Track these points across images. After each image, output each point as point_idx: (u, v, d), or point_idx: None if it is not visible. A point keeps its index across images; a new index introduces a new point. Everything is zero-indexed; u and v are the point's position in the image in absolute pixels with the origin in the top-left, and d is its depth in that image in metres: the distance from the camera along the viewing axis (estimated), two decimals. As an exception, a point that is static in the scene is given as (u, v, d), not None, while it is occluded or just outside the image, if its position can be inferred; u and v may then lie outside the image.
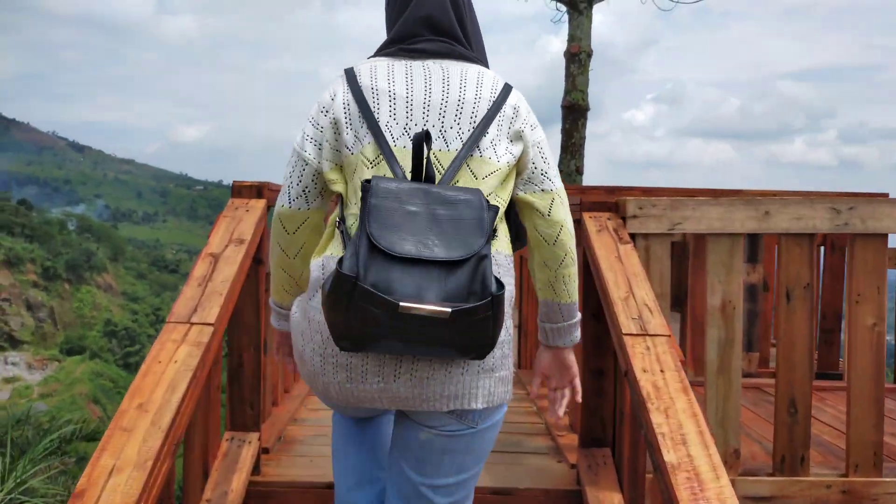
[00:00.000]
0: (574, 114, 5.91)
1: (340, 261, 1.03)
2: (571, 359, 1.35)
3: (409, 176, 1.13)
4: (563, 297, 1.29)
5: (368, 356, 1.12)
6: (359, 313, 1.00)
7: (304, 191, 1.25)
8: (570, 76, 6.01)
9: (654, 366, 1.56)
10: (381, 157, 1.16)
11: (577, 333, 1.34)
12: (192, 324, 1.61)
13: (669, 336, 1.67)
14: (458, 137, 1.18)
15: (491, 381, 1.15)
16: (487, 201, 1.10)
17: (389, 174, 1.14)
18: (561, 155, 6.12)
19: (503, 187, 1.21)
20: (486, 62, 1.31)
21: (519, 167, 1.24)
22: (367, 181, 1.08)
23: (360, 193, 1.10)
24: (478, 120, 1.19)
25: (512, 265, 1.21)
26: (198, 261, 1.84)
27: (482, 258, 1.04)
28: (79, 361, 62.98)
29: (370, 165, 1.16)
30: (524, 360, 3.85)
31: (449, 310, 0.98)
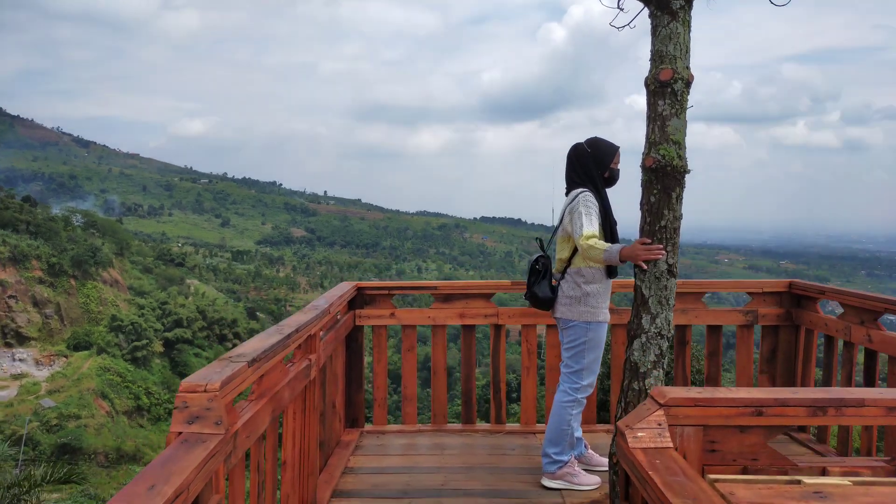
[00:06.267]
0: (665, 180, 2.99)
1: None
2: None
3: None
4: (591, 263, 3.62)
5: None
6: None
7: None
8: (656, 119, 2.89)
9: None
10: None
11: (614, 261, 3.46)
12: None
13: None
14: (559, 220, 3.74)
15: (564, 308, 3.63)
16: (544, 256, 3.76)
17: None
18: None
19: (567, 240, 3.64)
20: (584, 182, 3.60)
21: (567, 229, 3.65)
22: None
23: None
24: (561, 213, 3.67)
25: (577, 273, 3.63)
26: None
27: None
28: (86, 357, 62.28)
29: None
30: None
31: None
